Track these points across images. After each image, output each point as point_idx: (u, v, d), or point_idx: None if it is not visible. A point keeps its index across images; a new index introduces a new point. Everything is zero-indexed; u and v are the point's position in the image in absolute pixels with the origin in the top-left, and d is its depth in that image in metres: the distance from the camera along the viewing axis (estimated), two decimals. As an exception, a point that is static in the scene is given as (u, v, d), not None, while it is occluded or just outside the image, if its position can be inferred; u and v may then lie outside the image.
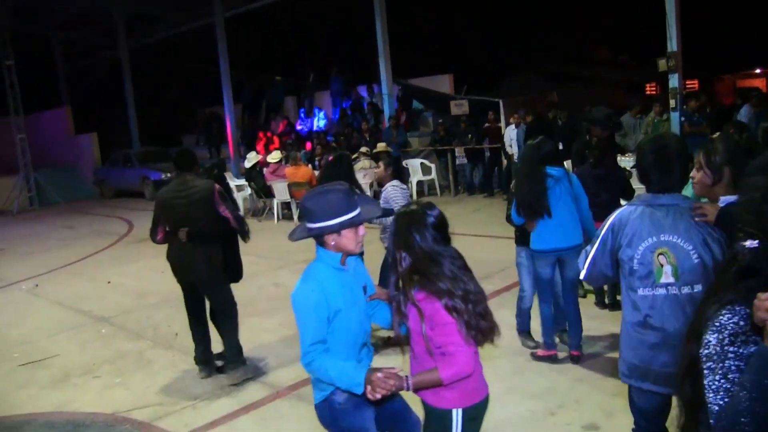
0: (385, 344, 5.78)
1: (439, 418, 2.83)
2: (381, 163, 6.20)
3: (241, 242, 5.92)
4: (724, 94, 22.10)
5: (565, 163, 10.39)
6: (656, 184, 3.00)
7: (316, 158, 15.99)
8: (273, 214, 14.09)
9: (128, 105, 25.44)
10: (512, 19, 25.76)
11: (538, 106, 15.30)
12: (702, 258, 2.85)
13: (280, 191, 13.73)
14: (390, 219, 5.85)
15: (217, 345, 5.88)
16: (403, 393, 2.87)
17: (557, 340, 5.60)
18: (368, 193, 12.71)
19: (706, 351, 1.78)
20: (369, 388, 2.68)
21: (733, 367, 1.71)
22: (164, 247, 5.74)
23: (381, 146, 14.20)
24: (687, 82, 13.10)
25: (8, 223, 18.41)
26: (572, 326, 5.38)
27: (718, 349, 1.75)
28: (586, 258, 3.16)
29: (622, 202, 6.77)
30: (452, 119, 16.27)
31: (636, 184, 6.86)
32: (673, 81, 12.60)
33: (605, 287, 6.57)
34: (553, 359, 5.37)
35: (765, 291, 1.62)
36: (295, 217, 13.58)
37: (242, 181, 15.49)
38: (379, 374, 2.68)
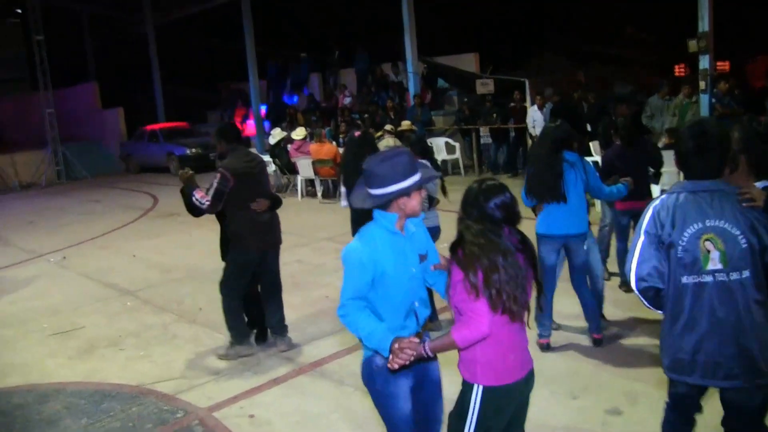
0: None
1: (463, 391, 2.92)
2: (405, 143, 6.19)
3: None
4: (757, 77, 21.67)
5: (591, 144, 10.41)
6: (696, 170, 2.92)
7: (341, 135, 15.98)
8: (297, 190, 14.14)
9: (154, 80, 25.58)
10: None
11: (563, 86, 15.12)
12: (750, 243, 2.79)
13: (305, 168, 13.76)
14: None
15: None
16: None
17: (556, 327, 5.64)
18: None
19: None
20: (391, 356, 2.75)
21: None
22: (188, 223, 5.78)
23: (405, 124, 14.16)
24: (717, 64, 12.84)
25: (37, 196, 18.67)
26: (587, 309, 5.36)
27: None
28: (631, 260, 3.01)
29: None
30: (477, 98, 16.15)
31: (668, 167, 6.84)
32: (704, 62, 12.37)
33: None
34: (543, 348, 5.33)
35: None
36: (319, 194, 13.62)
37: (267, 157, 15.54)
38: (397, 344, 2.76)
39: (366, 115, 17.38)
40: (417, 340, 2.80)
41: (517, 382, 2.86)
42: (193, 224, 11.95)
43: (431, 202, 5.86)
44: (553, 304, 5.52)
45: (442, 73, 18.70)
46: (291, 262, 8.64)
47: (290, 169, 14.40)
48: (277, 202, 5.75)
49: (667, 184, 8.28)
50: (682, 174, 3.15)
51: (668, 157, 8.15)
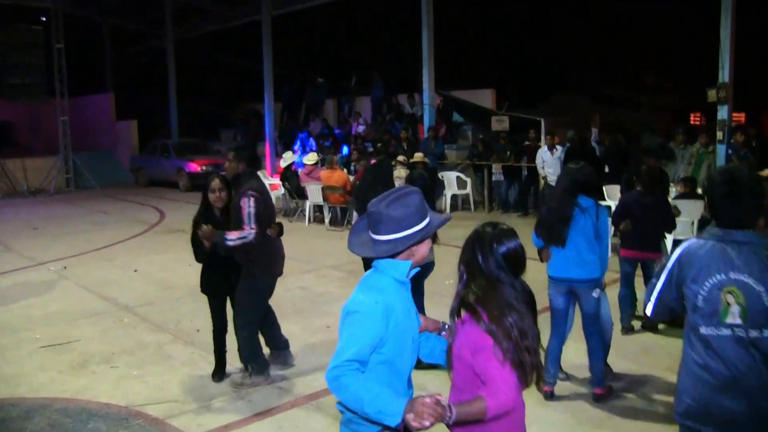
0: None
1: None
2: (404, 179, 6.05)
3: None
4: (768, 129, 21.62)
5: (604, 188, 10.30)
6: (727, 218, 2.81)
7: (353, 163, 15.89)
8: (305, 215, 14.03)
9: (170, 95, 25.66)
10: (558, 38, 25.54)
11: (581, 127, 15.01)
12: None
13: (314, 193, 13.66)
14: None
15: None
16: None
17: (562, 376, 5.45)
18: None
19: None
20: (413, 416, 2.30)
21: None
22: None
23: (418, 156, 14.09)
24: (733, 115, 12.76)
25: (45, 203, 18.63)
26: (592, 361, 5.17)
27: None
28: (652, 292, 2.98)
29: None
30: (492, 135, 16.08)
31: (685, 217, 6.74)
32: (722, 113, 12.27)
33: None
34: (546, 396, 5.13)
35: None
36: (327, 220, 13.49)
37: (276, 180, 15.46)
38: (428, 399, 2.34)
39: (379, 144, 17.31)
40: (437, 400, 2.36)
41: None
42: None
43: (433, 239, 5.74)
44: (563, 351, 5.34)
45: (457, 107, 18.64)
46: (294, 288, 8.50)
47: (299, 193, 14.31)
48: (282, 228, 5.63)
49: (681, 234, 8.14)
50: (695, 224, 3.11)
51: (682, 206, 8.08)
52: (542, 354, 2.68)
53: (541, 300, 3.32)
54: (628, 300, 6.61)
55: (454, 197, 15.45)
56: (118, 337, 6.84)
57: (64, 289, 8.87)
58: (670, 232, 6.71)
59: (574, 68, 25.39)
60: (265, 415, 4.99)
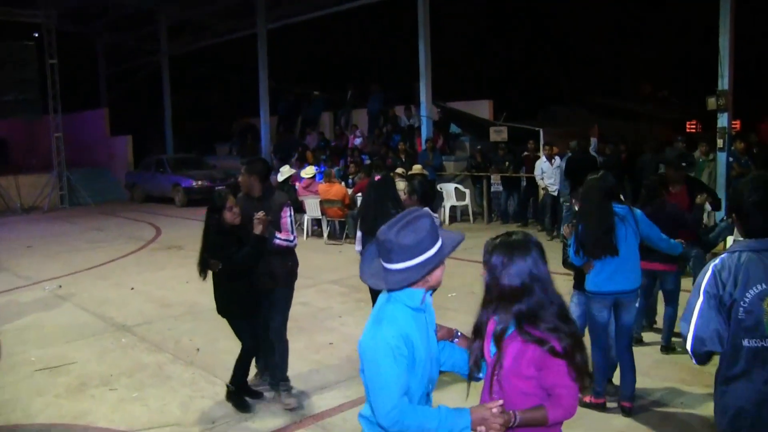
0: None
1: None
2: (404, 191, 5.90)
3: None
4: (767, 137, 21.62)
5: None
6: (759, 227, 2.73)
7: (350, 176, 15.78)
8: (303, 230, 13.87)
9: (165, 110, 25.57)
10: (554, 49, 25.55)
11: (575, 137, 14.92)
12: None
13: (312, 207, 13.51)
14: None
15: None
16: None
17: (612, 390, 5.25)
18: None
19: None
20: (483, 428, 2.40)
21: None
22: (191, 257, 5.51)
23: (417, 168, 13.96)
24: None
25: (38, 220, 18.42)
26: (624, 374, 5.00)
27: None
28: (689, 320, 2.77)
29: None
30: (490, 145, 15.99)
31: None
32: (722, 120, 12.19)
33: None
34: (600, 408, 5.01)
35: None
36: (325, 234, 13.33)
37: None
38: (494, 409, 2.43)
39: (375, 157, 17.20)
40: (502, 406, 2.46)
41: None
42: (196, 259, 11.74)
43: None
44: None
45: (455, 119, 18.57)
46: (295, 304, 8.13)
47: (297, 207, 14.14)
48: None
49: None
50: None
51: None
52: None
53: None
54: (643, 312, 6.45)
55: (452, 209, 15.33)
56: (116, 358, 6.65)
57: (59, 309, 8.67)
58: (707, 249, 6.54)
59: (571, 79, 25.37)
60: (270, 439, 4.82)
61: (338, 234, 13.53)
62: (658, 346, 6.35)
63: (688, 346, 2.78)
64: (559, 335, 2.48)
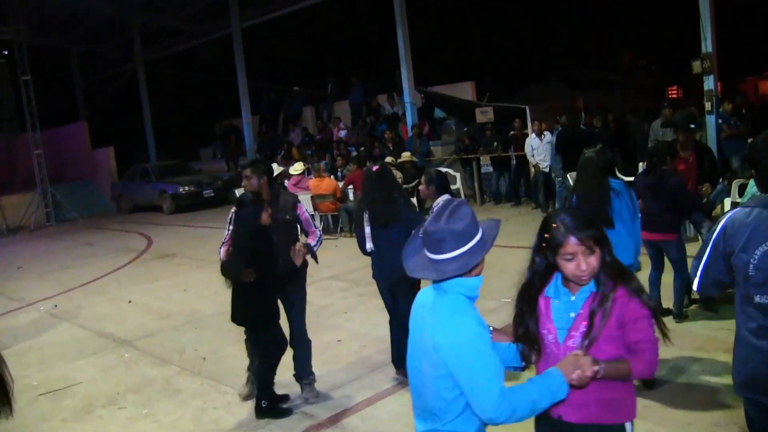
0: None
1: None
2: (423, 182, 5.72)
3: None
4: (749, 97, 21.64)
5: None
6: None
7: (338, 169, 15.64)
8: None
9: (145, 118, 25.29)
10: (532, 25, 25.42)
11: (561, 113, 14.83)
12: None
13: (304, 203, 13.32)
14: None
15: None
16: None
17: None
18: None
19: None
20: (576, 374, 2.35)
21: None
22: (185, 265, 5.36)
23: (406, 156, 13.89)
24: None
25: (26, 240, 18.16)
26: None
27: None
28: (698, 266, 2.85)
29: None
30: (477, 127, 15.89)
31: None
32: (708, 83, 12.15)
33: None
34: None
35: None
36: (319, 230, 13.16)
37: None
38: (584, 357, 2.39)
39: (362, 148, 17.07)
40: (580, 354, 2.43)
41: None
42: (191, 266, 11.63)
43: None
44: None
45: (439, 103, 18.44)
46: (297, 304, 8.18)
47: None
48: None
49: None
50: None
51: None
52: None
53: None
54: (656, 284, 6.33)
55: (444, 194, 15.20)
56: (120, 374, 6.48)
57: (57, 329, 8.48)
58: (681, 212, 6.37)
59: (552, 55, 25.28)
60: (289, 445, 4.70)
61: (332, 228, 13.39)
62: (669, 317, 6.25)
63: (694, 287, 2.92)
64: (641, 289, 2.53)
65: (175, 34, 23.63)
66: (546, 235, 2.51)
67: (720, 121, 12.02)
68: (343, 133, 19.55)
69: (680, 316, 6.15)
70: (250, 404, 5.22)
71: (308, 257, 5.42)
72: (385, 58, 20.00)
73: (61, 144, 24.84)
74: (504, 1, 24.64)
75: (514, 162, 14.54)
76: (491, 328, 2.72)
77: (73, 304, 9.71)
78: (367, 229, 5.45)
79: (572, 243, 2.44)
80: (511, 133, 14.66)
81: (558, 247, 2.46)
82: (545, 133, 13.03)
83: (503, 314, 5.16)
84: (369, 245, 5.48)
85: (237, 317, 5.05)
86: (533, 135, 13.26)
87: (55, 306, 9.68)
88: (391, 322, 5.66)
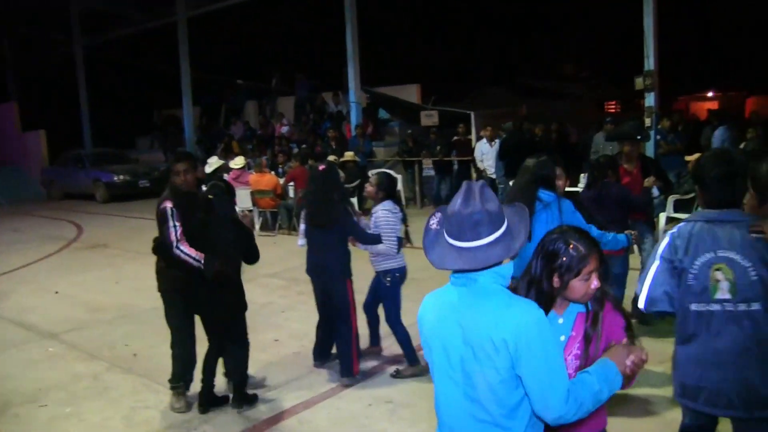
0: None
1: None
2: (371, 182, 5.67)
3: None
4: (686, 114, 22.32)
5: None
6: (719, 198, 2.95)
7: (279, 165, 15.40)
8: (234, 222, 13.43)
9: (81, 103, 24.49)
10: (478, 32, 25.66)
11: (505, 119, 14.94)
12: (761, 275, 2.80)
13: (242, 199, 13.07)
14: (381, 246, 5.36)
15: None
16: None
17: None
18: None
19: None
20: (630, 363, 2.26)
21: None
22: (118, 256, 5.12)
23: (348, 155, 13.79)
24: (642, 103, 12.99)
25: (-53, 223, 17.31)
26: None
27: None
28: (644, 281, 3.03)
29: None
30: (421, 130, 15.89)
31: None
32: (650, 100, 12.43)
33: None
34: None
35: None
36: (258, 226, 12.93)
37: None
38: (630, 361, 2.28)
39: (304, 146, 16.88)
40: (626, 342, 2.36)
41: None
42: (125, 257, 11.23)
43: (401, 243, 5.46)
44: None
45: (384, 104, 18.40)
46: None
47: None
48: None
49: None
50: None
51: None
52: None
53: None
54: None
55: (386, 195, 15.15)
56: (43, 370, 6.14)
57: (-23, 319, 8.06)
58: (644, 209, 6.42)
59: (497, 62, 25.57)
60: (222, 448, 4.53)
61: (270, 225, 13.17)
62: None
63: (641, 305, 3.04)
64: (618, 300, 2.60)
65: (116, 19, 22.92)
66: (563, 259, 2.38)
67: (659, 137, 12.31)
68: (285, 129, 19.31)
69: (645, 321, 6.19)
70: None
71: None
72: (332, 55, 19.83)
73: (-11, 125, 23.89)
74: (452, 7, 24.79)
75: (456, 167, 14.59)
76: None
77: (-5, 293, 9.25)
78: (302, 226, 5.54)
79: (595, 259, 2.37)
80: (455, 138, 14.71)
81: (582, 267, 2.36)
82: (496, 139, 13.03)
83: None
84: (301, 241, 5.62)
85: (218, 311, 4.94)
86: (483, 140, 13.30)
87: (-25, 294, 9.20)
88: (320, 319, 5.75)
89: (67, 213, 17.60)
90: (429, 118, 15.74)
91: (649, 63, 12.22)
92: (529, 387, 2.13)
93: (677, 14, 20.79)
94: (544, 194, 4.72)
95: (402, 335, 5.50)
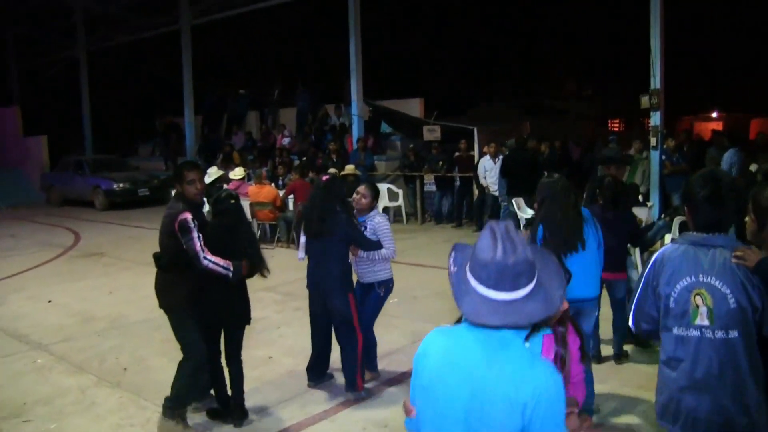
0: None
1: None
2: (365, 193, 5.59)
3: None
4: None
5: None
6: (707, 221, 2.88)
7: (279, 177, 15.29)
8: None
9: (83, 108, 24.46)
10: (483, 48, 25.64)
11: (507, 136, 14.85)
12: (740, 303, 2.75)
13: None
14: (384, 251, 5.30)
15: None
16: None
17: None
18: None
19: None
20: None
21: None
22: (114, 265, 4.99)
23: (349, 168, 13.65)
24: (645, 121, 12.90)
25: (-57, 227, 17.18)
26: (590, 388, 4.74)
27: None
28: (632, 303, 3.07)
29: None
30: (423, 145, 15.79)
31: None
32: (655, 119, 12.33)
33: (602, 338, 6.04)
34: None
35: None
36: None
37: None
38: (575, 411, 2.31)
39: (305, 158, 16.79)
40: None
41: None
42: (120, 267, 11.11)
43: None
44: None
45: (386, 118, 18.31)
46: (229, 315, 7.83)
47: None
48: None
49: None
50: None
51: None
52: None
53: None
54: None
55: (385, 209, 15.02)
56: (30, 382, 6.00)
57: (-33, 327, 7.92)
58: (644, 249, 6.40)
59: (501, 78, 25.56)
60: (210, 471, 4.38)
61: (269, 238, 13.05)
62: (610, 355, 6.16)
63: (630, 325, 3.09)
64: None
65: (120, 25, 22.90)
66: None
67: (663, 157, 12.20)
68: (286, 141, 19.21)
69: (620, 356, 6.04)
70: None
71: None
72: (335, 67, 19.80)
73: (-10, 128, 23.84)
74: (456, 23, 24.80)
75: (458, 183, 14.47)
76: None
77: (-12, 300, 9.10)
78: (303, 239, 5.45)
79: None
80: (457, 153, 14.60)
81: None
82: (499, 156, 12.90)
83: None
84: (301, 254, 5.59)
85: (229, 316, 5.03)
86: (487, 157, 13.17)
87: (-33, 302, 9.05)
88: (314, 336, 5.65)
89: (65, 220, 17.48)
90: (431, 133, 15.65)
91: (656, 82, 12.13)
92: None
93: (682, 34, 20.72)
94: (584, 210, 4.73)
95: (372, 341, 5.59)
